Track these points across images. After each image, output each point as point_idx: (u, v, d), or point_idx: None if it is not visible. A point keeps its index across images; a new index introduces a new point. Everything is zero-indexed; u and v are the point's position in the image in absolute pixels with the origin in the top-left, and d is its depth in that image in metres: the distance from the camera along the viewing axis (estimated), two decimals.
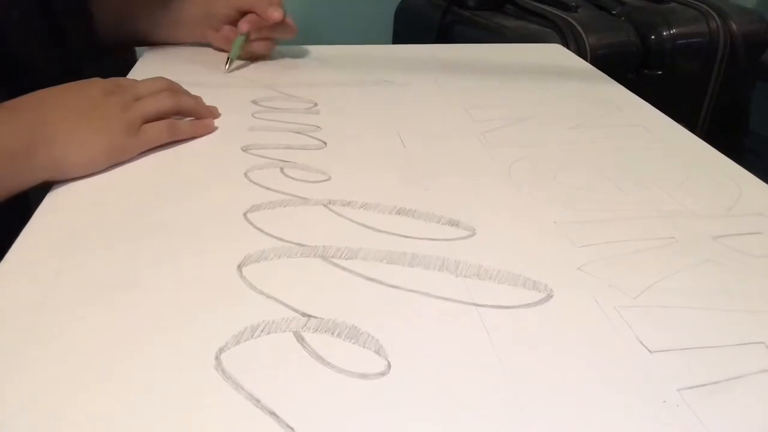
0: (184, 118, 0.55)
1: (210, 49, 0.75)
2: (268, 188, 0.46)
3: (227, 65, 0.70)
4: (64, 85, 0.49)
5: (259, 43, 0.72)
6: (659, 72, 1.19)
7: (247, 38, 0.71)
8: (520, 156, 0.54)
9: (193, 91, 0.58)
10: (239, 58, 0.72)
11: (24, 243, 0.39)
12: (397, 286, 0.37)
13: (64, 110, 0.47)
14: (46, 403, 0.28)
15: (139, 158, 0.50)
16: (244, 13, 0.71)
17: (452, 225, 0.43)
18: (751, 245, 0.43)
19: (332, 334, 0.33)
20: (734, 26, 1.23)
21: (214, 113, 0.58)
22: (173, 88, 0.56)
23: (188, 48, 0.75)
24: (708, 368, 0.32)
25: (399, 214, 0.44)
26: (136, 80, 0.55)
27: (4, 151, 0.43)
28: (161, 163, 0.49)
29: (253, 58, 0.73)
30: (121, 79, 0.55)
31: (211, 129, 0.55)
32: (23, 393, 0.29)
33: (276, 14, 0.69)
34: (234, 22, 0.71)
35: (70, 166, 0.46)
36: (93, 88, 0.50)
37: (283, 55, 0.76)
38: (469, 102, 0.65)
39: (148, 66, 0.69)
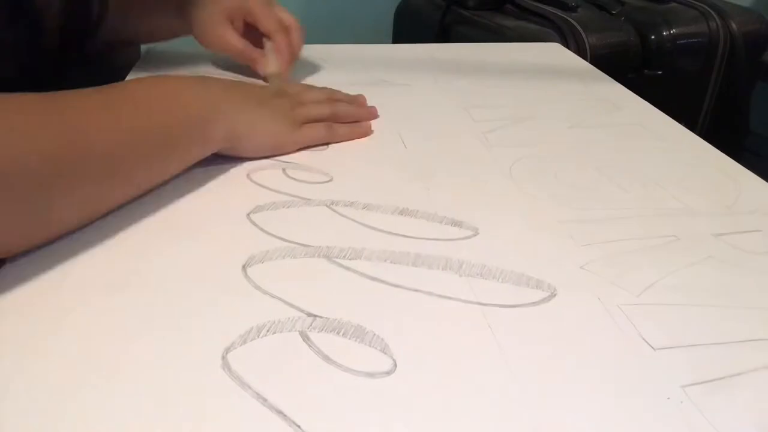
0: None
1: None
2: (270, 189, 0.47)
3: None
4: (241, 81, 0.55)
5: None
6: (659, 72, 1.19)
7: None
8: (521, 155, 0.54)
9: None
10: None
11: None
12: (401, 286, 0.37)
13: (243, 96, 0.52)
14: (50, 404, 0.28)
15: None
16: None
17: (455, 225, 0.43)
18: (752, 243, 0.43)
19: (338, 333, 0.33)
20: (734, 26, 1.23)
21: (372, 114, 0.60)
22: (333, 97, 0.59)
23: (186, 48, 0.75)
24: (711, 365, 0.32)
25: (401, 214, 0.44)
26: (302, 86, 0.61)
27: (194, 116, 0.46)
28: None
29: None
30: (288, 85, 0.61)
31: (367, 132, 0.58)
32: (27, 393, 0.29)
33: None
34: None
35: (243, 142, 0.50)
36: (264, 89, 0.57)
37: None
38: (470, 102, 0.65)
39: (147, 67, 0.69)
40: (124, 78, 0.66)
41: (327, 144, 0.55)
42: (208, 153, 0.48)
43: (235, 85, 0.53)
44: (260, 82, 0.65)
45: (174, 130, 0.45)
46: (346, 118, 0.58)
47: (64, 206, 0.38)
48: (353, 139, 0.57)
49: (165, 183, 0.46)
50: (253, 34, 0.66)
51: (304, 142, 0.54)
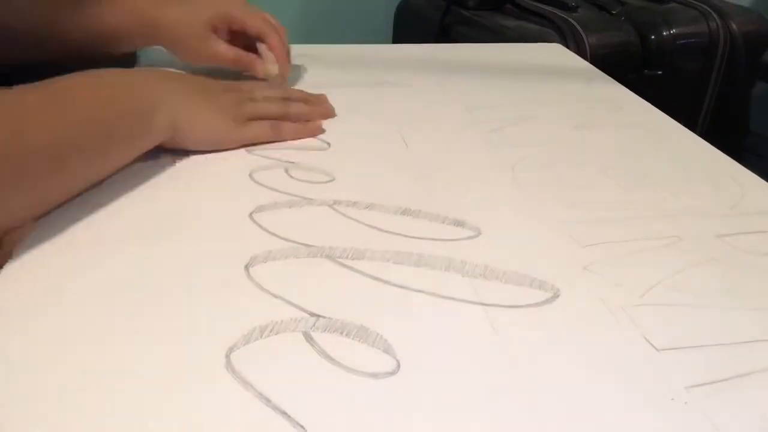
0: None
1: None
2: (273, 189, 0.47)
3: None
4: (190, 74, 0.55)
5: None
6: (659, 72, 1.19)
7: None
8: (523, 156, 0.54)
9: None
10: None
11: (29, 243, 0.39)
12: (404, 286, 0.37)
13: (189, 88, 0.51)
14: (53, 404, 0.28)
15: (145, 160, 0.49)
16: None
17: (457, 225, 0.43)
18: (755, 243, 0.43)
19: (341, 333, 0.33)
20: (734, 26, 1.23)
21: (327, 113, 0.59)
22: (288, 96, 0.58)
23: None
24: (715, 366, 0.32)
25: (404, 214, 0.44)
26: (256, 83, 0.59)
27: (135, 109, 0.46)
28: (166, 165, 0.49)
29: None
30: (242, 82, 0.59)
31: (318, 131, 0.56)
32: (29, 394, 0.29)
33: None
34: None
35: (185, 133, 0.49)
36: (215, 83, 0.55)
37: None
38: (471, 102, 0.65)
39: (147, 65, 0.69)
40: None
41: (272, 141, 0.54)
42: (152, 145, 0.48)
43: (181, 77, 0.53)
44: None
45: (116, 123, 0.45)
46: (299, 118, 0.57)
47: (11, 202, 0.38)
48: (301, 138, 0.55)
49: (115, 174, 0.46)
50: (239, 40, 0.65)
51: (247, 139, 0.53)
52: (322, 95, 0.61)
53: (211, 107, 0.51)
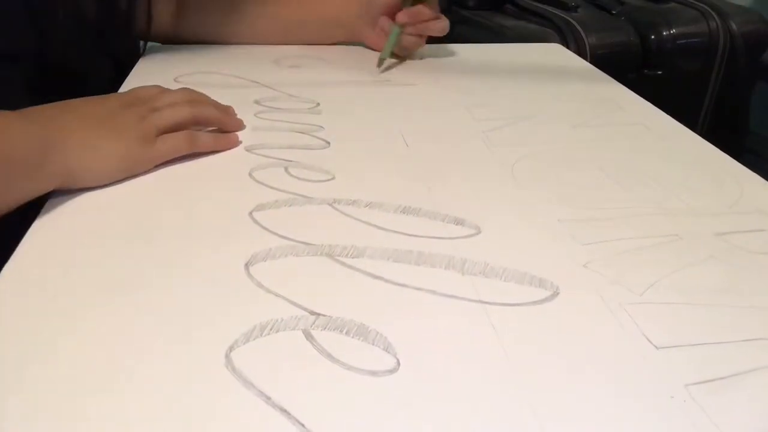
0: (206, 129, 0.53)
1: (212, 48, 0.75)
2: (272, 188, 0.47)
3: (380, 65, 0.71)
4: (82, 97, 0.49)
5: (411, 38, 0.73)
6: (659, 72, 1.19)
7: (401, 31, 0.71)
8: (523, 155, 0.54)
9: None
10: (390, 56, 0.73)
11: (30, 244, 0.39)
12: (403, 285, 0.37)
13: (81, 118, 0.46)
14: (55, 404, 0.28)
15: None
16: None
17: (457, 224, 0.43)
18: (754, 242, 0.43)
19: (341, 332, 0.33)
20: (734, 26, 1.23)
21: (239, 125, 0.56)
22: (194, 99, 0.54)
23: (189, 47, 0.75)
24: (714, 364, 0.32)
25: (404, 212, 0.44)
26: (158, 89, 0.54)
27: (17, 157, 0.41)
28: (166, 164, 0.49)
29: (402, 55, 0.75)
30: (140, 89, 0.54)
31: (235, 144, 0.53)
32: (31, 394, 0.29)
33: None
34: (392, 14, 0.72)
35: (82, 173, 0.44)
36: (111, 100, 0.50)
37: (284, 55, 0.76)
38: (471, 101, 0.65)
39: (149, 66, 0.69)
40: (127, 73, 0.66)
41: (188, 154, 0.50)
42: (39, 193, 0.43)
43: (71, 107, 0.47)
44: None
45: None
46: (210, 123, 0.53)
47: None
48: (218, 150, 0.52)
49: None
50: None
51: (161, 158, 0.48)
52: (229, 107, 0.57)
53: (111, 132, 0.46)
